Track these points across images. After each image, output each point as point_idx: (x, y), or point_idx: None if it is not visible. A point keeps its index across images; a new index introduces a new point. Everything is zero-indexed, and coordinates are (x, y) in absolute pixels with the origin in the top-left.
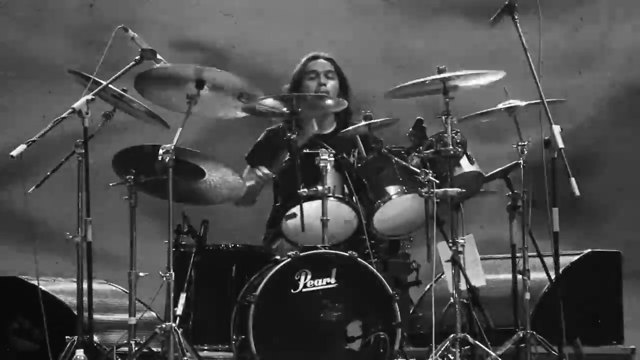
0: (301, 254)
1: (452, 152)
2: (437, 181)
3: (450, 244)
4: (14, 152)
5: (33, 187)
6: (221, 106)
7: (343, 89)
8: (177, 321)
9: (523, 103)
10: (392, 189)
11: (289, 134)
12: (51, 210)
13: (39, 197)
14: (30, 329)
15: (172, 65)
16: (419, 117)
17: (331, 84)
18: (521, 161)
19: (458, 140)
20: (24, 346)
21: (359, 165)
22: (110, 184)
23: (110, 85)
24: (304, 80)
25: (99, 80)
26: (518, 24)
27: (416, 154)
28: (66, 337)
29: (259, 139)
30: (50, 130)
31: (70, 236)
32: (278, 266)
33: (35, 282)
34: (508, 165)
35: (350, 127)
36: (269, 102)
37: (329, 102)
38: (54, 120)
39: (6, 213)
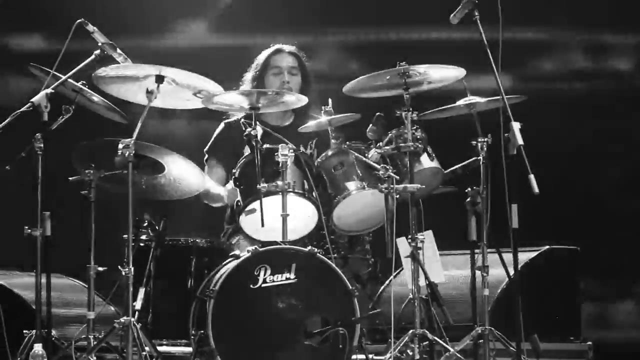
0: (261, 249)
1: (412, 148)
2: (397, 177)
3: (410, 240)
4: None
5: None
6: (179, 98)
7: (305, 84)
8: (136, 316)
9: (483, 99)
10: (352, 185)
11: (248, 129)
12: (12, 203)
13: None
14: None
15: (132, 64)
16: (379, 113)
17: (295, 81)
18: (481, 157)
19: (418, 137)
20: None
21: (319, 160)
22: (70, 179)
23: (69, 79)
24: (267, 75)
25: (58, 75)
26: (479, 21)
27: (376, 149)
28: (24, 331)
29: (217, 132)
30: (8, 123)
31: (29, 230)
32: (237, 261)
33: None
34: (468, 161)
35: (311, 123)
36: (230, 96)
37: (290, 98)
38: (13, 114)
39: None
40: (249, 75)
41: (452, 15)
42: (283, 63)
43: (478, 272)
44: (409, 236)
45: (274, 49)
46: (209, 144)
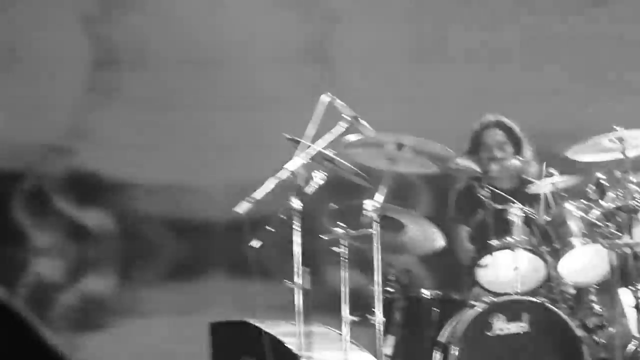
0: (496, 299)
1: (632, 206)
2: (619, 233)
3: (633, 290)
4: (240, 209)
5: (258, 242)
6: (417, 164)
7: (518, 149)
8: None
9: None
10: (576, 240)
11: (481, 192)
12: (274, 259)
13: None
14: None
15: (376, 135)
16: (598, 175)
17: (507, 152)
18: None
19: (636, 197)
20: None
21: (545, 218)
22: (323, 236)
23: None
24: (480, 151)
25: (312, 145)
26: None
27: (598, 208)
28: None
29: (453, 200)
30: (270, 190)
31: (290, 283)
32: (475, 310)
33: (260, 325)
34: None
35: (536, 185)
36: (463, 162)
37: (516, 163)
38: (273, 181)
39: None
40: (466, 147)
41: None
42: (491, 139)
43: None
44: (632, 287)
45: (484, 124)
46: (451, 212)
